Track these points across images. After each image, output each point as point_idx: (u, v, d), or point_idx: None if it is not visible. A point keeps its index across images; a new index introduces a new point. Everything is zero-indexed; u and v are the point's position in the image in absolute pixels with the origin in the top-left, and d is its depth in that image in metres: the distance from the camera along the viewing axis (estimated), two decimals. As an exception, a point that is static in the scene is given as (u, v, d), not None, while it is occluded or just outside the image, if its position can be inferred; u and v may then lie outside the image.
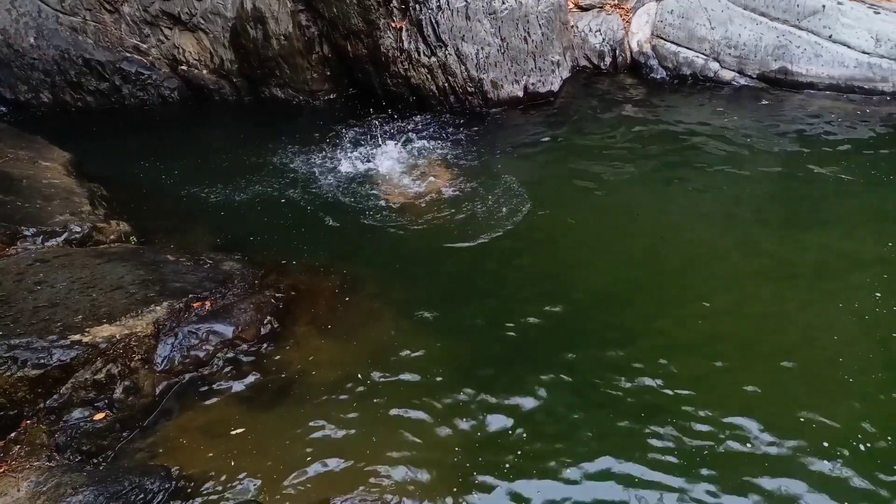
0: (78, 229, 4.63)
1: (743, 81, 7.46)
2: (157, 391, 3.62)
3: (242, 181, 6.05)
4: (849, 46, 7.07)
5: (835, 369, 3.61)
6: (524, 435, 3.32)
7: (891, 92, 6.96)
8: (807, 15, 7.16)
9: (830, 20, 7.09)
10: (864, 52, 7.02)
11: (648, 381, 3.60)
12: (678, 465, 3.12)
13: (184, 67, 7.86)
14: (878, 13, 7.17)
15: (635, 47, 7.93)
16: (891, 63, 6.96)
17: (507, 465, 3.16)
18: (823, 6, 7.10)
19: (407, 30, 6.96)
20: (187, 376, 3.74)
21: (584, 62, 7.98)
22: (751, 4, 7.40)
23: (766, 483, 3.02)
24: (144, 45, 7.72)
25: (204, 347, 3.83)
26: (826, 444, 3.18)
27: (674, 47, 7.72)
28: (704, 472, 3.09)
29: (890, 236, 4.70)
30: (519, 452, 3.23)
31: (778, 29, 7.26)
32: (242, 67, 7.78)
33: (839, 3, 7.14)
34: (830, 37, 7.11)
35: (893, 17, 7.16)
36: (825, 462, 3.09)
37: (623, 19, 8.02)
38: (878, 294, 4.11)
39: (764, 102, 7.04)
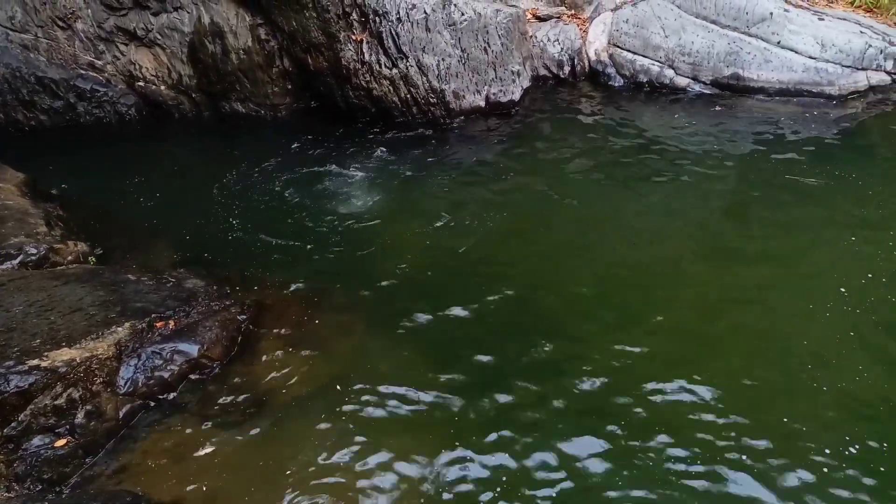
0: (34, 251, 4.51)
1: (697, 88, 7.66)
2: (121, 414, 3.54)
3: (203, 198, 5.97)
4: (796, 52, 7.32)
5: (804, 372, 3.68)
6: (501, 445, 3.33)
7: (837, 95, 7.22)
8: (755, 22, 7.40)
9: (778, 27, 7.34)
10: (810, 58, 7.28)
11: (624, 387, 3.64)
12: (653, 477, 3.17)
13: (141, 83, 7.73)
14: (823, 19, 7.45)
15: (593, 56, 8.08)
16: (836, 67, 7.23)
17: (487, 481, 3.15)
18: (771, 13, 7.35)
19: (367, 42, 6.98)
20: (152, 398, 3.67)
21: (543, 71, 8.09)
22: (702, 13, 7.61)
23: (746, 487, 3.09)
24: (99, 62, 7.58)
25: (168, 368, 3.76)
26: (798, 449, 3.26)
27: (630, 55, 7.89)
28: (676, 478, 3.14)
29: (846, 234, 4.86)
30: (497, 463, 3.23)
31: (729, 36, 7.48)
32: (201, 82, 7.69)
33: (786, 10, 7.40)
34: (779, 43, 7.36)
35: (837, 23, 7.45)
36: (801, 468, 3.16)
37: (580, 29, 8.17)
38: (843, 289, 4.24)
39: (717, 108, 7.24)
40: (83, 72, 7.57)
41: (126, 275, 4.45)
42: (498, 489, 3.10)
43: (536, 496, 3.06)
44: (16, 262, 4.41)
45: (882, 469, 3.08)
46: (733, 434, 3.30)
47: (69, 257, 4.68)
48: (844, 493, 2.99)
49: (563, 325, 4.18)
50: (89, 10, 7.35)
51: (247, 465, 3.25)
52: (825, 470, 3.10)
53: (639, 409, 3.48)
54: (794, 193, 5.49)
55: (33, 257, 4.48)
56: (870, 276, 4.32)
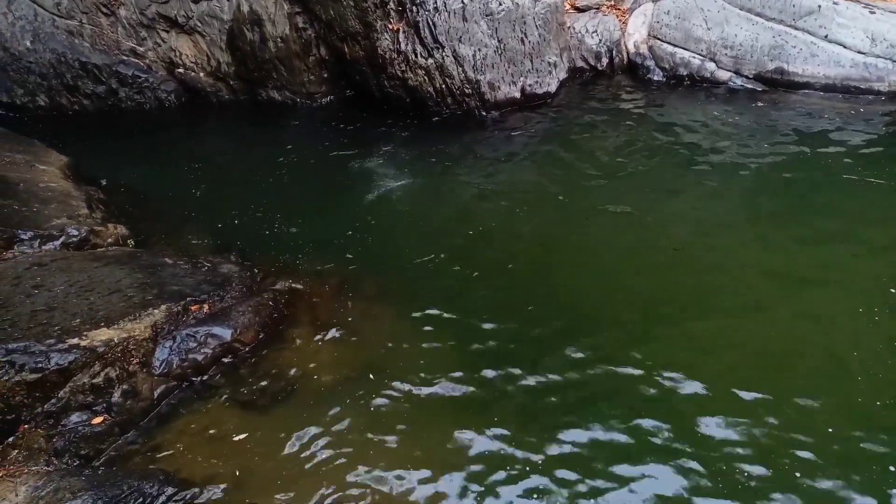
0: (75, 233, 4.62)
1: (739, 82, 7.47)
2: (156, 395, 3.61)
3: (239, 184, 6.04)
4: (844, 46, 7.08)
5: (848, 368, 3.59)
6: (530, 437, 3.31)
7: (887, 91, 6.97)
8: (802, 15, 7.18)
9: (826, 20, 7.11)
10: (859, 52, 7.03)
11: (656, 379, 3.59)
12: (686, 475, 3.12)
13: (181, 70, 7.85)
14: (874, 13, 7.18)
15: (632, 48, 7.94)
16: (886, 62, 6.98)
17: (514, 470, 3.14)
18: (819, 6, 7.12)
19: (404, 31, 6.96)
20: (186, 379, 3.73)
21: (580, 63, 7.98)
22: (747, 5, 7.41)
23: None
24: (141, 48, 7.71)
25: (202, 350, 3.82)
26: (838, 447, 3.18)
27: (670, 48, 7.72)
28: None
29: (892, 233, 4.71)
30: (525, 456, 3.21)
31: (774, 29, 7.27)
32: (239, 70, 7.78)
33: (835, 3, 7.15)
34: (826, 37, 7.13)
35: (889, 16, 7.17)
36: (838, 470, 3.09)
37: (619, 20, 8.03)
38: (894, 290, 4.12)
39: (760, 103, 7.05)
40: (125, 58, 7.71)
41: (163, 258, 4.53)
42: (527, 478, 3.09)
43: (569, 488, 3.03)
44: (58, 242, 4.51)
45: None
46: (780, 439, 3.23)
47: (109, 239, 4.78)
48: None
49: (600, 319, 4.12)
50: (132, -3, 7.48)
51: (277, 448, 3.29)
52: (864, 483, 3.02)
53: (664, 403, 3.43)
54: (844, 192, 5.32)
55: (75, 239, 4.59)
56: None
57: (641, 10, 7.98)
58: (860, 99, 6.95)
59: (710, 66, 7.56)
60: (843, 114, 6.68)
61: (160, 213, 5.54)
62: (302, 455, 3.24)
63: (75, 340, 3.45)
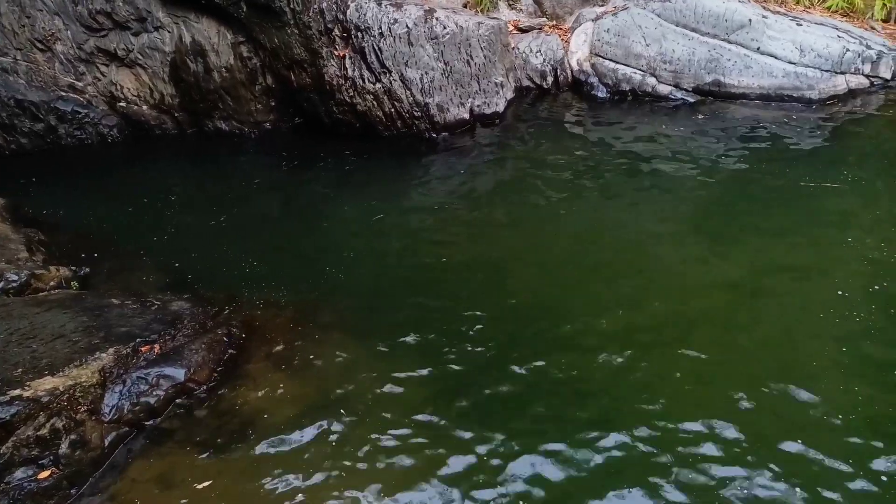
0: (15, 278, 4.44)
1: (679, 95, 7.71)
2: (107, 443, 3.46)
3: (188, 219, 5.90)
4: (776, 57, 7.40)
5: (791, 375, 3.68)
6: (493, 462, 3.28)
7: (817, 99, 7.30)
8: (735, 29, 7.48)
9: (757, 33, 7.42)
10: (790, 63, 7.36)
11: (607, 396, 3.64)
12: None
13: (122, 104, 7.67)
14: (801, 25, 7.54)
15: (575, 66, 8.12)
16: (815, 72, 7.31)
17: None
18: (750, 20, 7.43)
19: (350, 57, 6.98)
20: (138, 425, 3.60)
21: (527, 82, 8.12)
22: (682, 21, 7.68)
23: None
24: (80, 83, 7.51)
25: (154, 393, 3.69)
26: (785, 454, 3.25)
27: (612, 64, 7.93)
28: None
29: (826, 240, 4.90)
30: (491, 486, 3.17)
31: (709, 43, 7.55)
32: (184, 101, 7.64)
33: (764, 17, 7.48)
34: (758, 49, 7.44)
35: (815, 28, 7.54)
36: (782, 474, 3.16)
37: (562, 39, 8.21)
38: (840, 291, 4.27)
39: (700, 115, 7.28)
40: (64, 94, 7.50)
41: (110, 299, 4.38)
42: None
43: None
44: (-4, 289, 4.33)
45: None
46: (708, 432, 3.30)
47: (51, 283, 4.61)
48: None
49: (562, 339, 4.12)
50: (69, 32, 7.29)
51: (237, 491, 3.18)
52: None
53: (616, 415, 3.46)
54: (774, 199, 5.51)
55: (14, 284, 4.40)
56: (869, 278, 4.33)
57: (582, 29, 8.18)
58: (793, 107, 7.26)
59: (651, 80, 7.79)
60: (778, 121, 6.96)
61: (105, 252, 5.35)
62: (262, 497, 3.13)
63: (17, 392, 3.29)
